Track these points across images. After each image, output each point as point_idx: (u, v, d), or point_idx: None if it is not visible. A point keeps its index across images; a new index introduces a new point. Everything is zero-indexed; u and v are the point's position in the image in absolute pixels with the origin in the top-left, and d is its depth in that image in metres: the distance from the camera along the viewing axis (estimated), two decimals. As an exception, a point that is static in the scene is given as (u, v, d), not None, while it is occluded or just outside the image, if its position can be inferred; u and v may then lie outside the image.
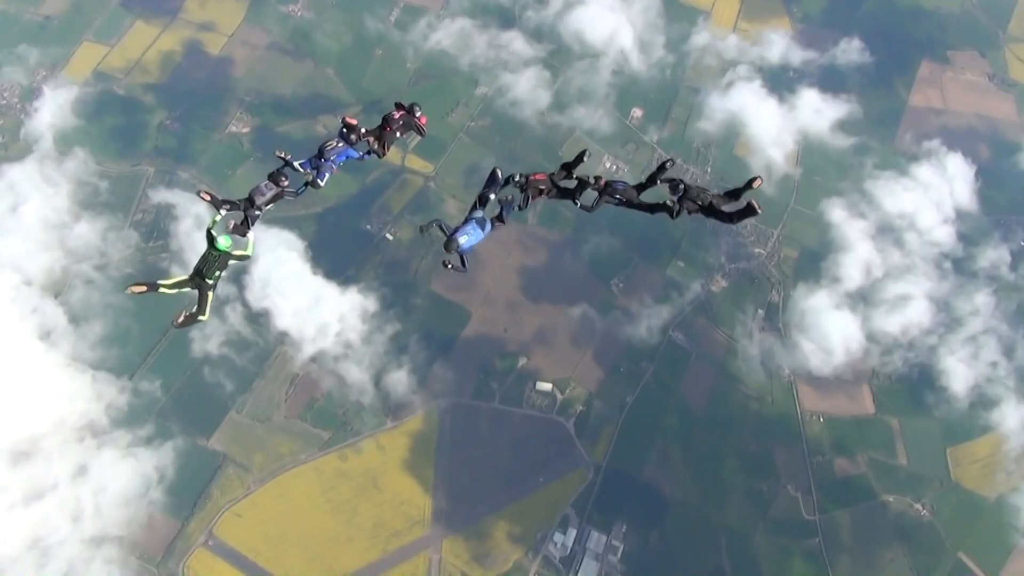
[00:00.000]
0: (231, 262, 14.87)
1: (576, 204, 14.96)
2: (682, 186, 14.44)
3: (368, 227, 58.34)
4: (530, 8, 68.84)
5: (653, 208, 14.71)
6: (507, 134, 62.56)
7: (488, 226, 14.67)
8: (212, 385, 52.60)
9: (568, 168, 14.95)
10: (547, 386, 54.63)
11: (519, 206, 15.01)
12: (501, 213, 14.87)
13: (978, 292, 59.23)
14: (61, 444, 49.72)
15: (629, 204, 14.74)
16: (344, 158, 16.60)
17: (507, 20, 68.19)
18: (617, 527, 51.44)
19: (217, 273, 14.73)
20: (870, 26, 68.44)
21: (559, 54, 66.90)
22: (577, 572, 49.95)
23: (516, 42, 66.81)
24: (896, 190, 62.48)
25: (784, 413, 54.24)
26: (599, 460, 52.97)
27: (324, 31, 66.08)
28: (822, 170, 63.26)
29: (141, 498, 49.19)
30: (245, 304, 53.63)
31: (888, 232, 61.11)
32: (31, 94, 61.63)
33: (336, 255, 56.73)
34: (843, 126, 64.84)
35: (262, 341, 53.61)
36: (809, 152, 63.77)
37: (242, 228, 15.38)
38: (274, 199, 15.77)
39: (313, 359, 53.49)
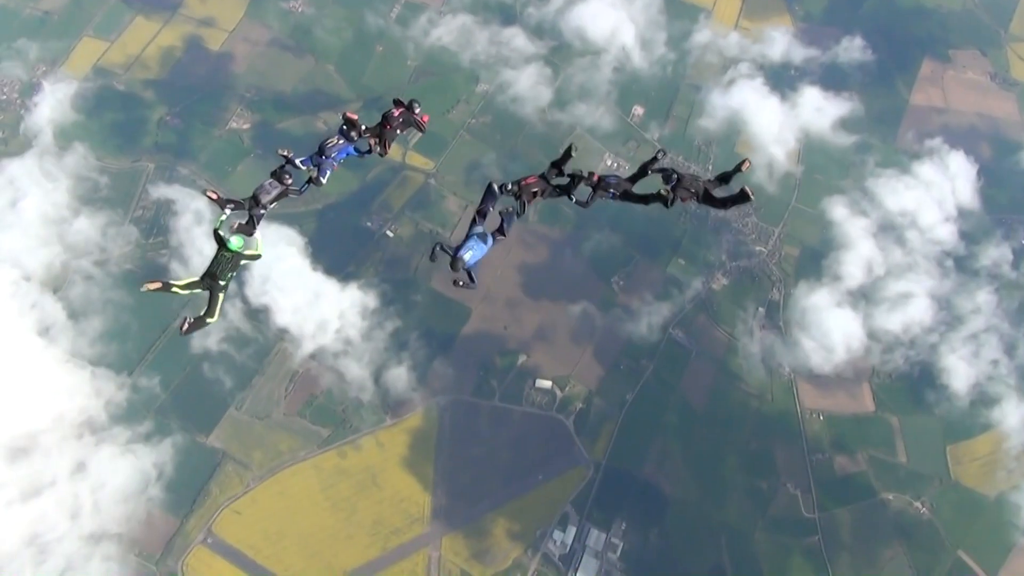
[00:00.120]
0: (242, 262, 14.71)
1: (572, 200, 14.77)
2: (675, 176, 14.27)
3: (368, 224, 58.17)
4: (531, 5, 68.76)
5: (648, 199, 14.62)
6: (508, 131, 62.37)
7: (490, 240, 14.67)
8: (211, 382, 52.44)
9: (558, 165, 14.83)
10: (547, 384, 54.47)
11: (517, 214, 15.01)
12: (502, 225, 14.88)
13: (980, 290, 59.13)
14: (60, 440, 49.58)
15: (624, 197, 14.62)
16: (345, 155, 16.50)
17: (508, 16, 68.03)
18: (617, 525, 51.31)
19: (230, 274, 14.57)
20: (871, 24, 68.28)
21: (560, 51, 66.73)
22: (577, 570, 49.79)
23: (517, 39, 66.69)
24: (898, 188, 62.31)
25: (784, 411, 54.10)
26: (599, 458, 52.83)
27: (325, 27, 65.90)
28: (823, 168, 63.08)
29: (140, 495, 49.03)
30: (245, 300, 53.47)
31: (890, 230, 61.00)
32: (31, 89, 61.44)
33: (336, 252, 56.55)
34: (845, 124, 64.70)
35: (262, 337, 53.44)
36: (811, 150, 63.61)
37: (248, 227, 15.25)
38: (279, 197, 15.64)
39: (313, 356, 53.35)
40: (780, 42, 68.27)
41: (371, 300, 54.81)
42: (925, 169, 62.93)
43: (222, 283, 14.47)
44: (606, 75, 65.93)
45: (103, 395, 51.19)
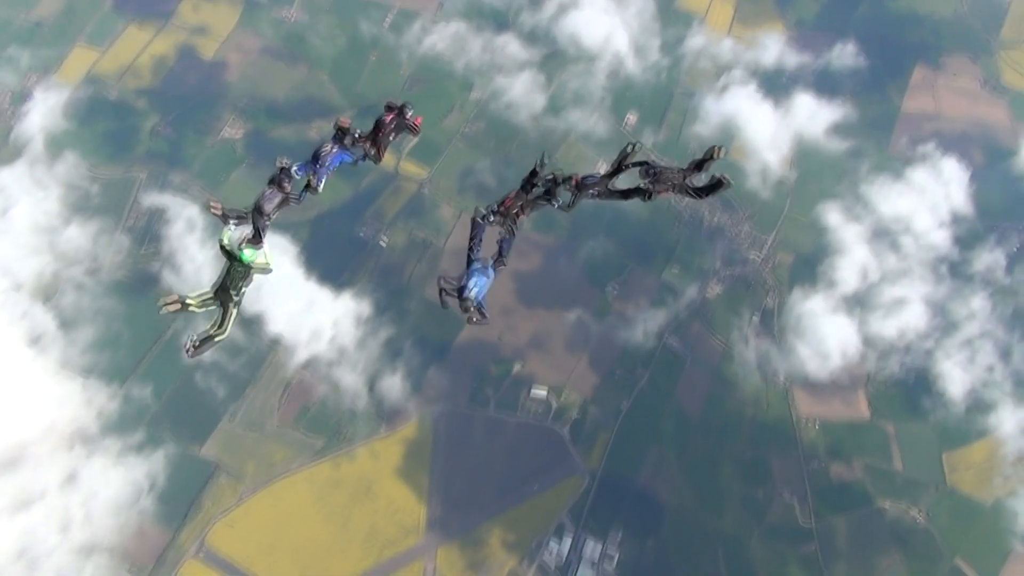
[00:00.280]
0: (253, 274, 14.59)
1: (555, 206, 14.81)
2: (654, 170, 14.35)
3: (362, 232, 58.29)
4: (525, 11, 69.12)
5: (628, 193, 14.63)
6: (502, 138, 62.61)
7: (491, 271, 14.55)
8: (204, 392, 52.48)
9: (531, 178, 14.76)
10: (542, 392, 54.57)
11: (505, 234, 14.91)
12: (500, 253, 14.80)
13: (974, 296, 59.37)
14: (50, 451, 49.52)
15: (605, 194, 14.66)
16: (339, 162, 16.37)
17: (502, 23, 68.39)
18: (613, 534, 51.32)
19: (243, 288, 14.46)
20: (864, 32, 68.81)
21: (554, 57, 67.11)
22: (573, 580, 49.76)
23: (511, 45, 67.07)
24: (891, 194, 62.73)
25: (780, 419, 54.26)
26: (594, 467, 52.87)
27: (318, 35, 66.18)
28: (817, 174, 63.47)
29: (132, 507, 48.96)
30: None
31: (884, 236, 61.31)
32: (21, 97, 61.60)
33: (330, 260, 56.58)
34: (838, 130, 65.08)
35: (255, 347, 53.42)
36: (804, 156, 64.01)
37: (256, 240, 15.11)
38: (281, 205, 15.58)
39: (306, 365, 53.40)
40: (773, 48, 68.72)
41: (365, 308, 54.95)
42: (918, 175, 63.31)
43: (236, 297, 14.38)
44: (600, 81, 66.29)
45: (94, 405, 51.14)
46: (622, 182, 14.78)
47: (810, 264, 59.86)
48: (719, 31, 69.45)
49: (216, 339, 14.39)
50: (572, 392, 54.86)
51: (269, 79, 63.59)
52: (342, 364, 53.34)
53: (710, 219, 60.66)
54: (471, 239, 14.60)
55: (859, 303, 58.73)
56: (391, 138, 16.78)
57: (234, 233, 14.81)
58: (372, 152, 16.61)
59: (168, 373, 52.79)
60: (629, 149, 14.31)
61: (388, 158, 58.72)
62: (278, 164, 15.66)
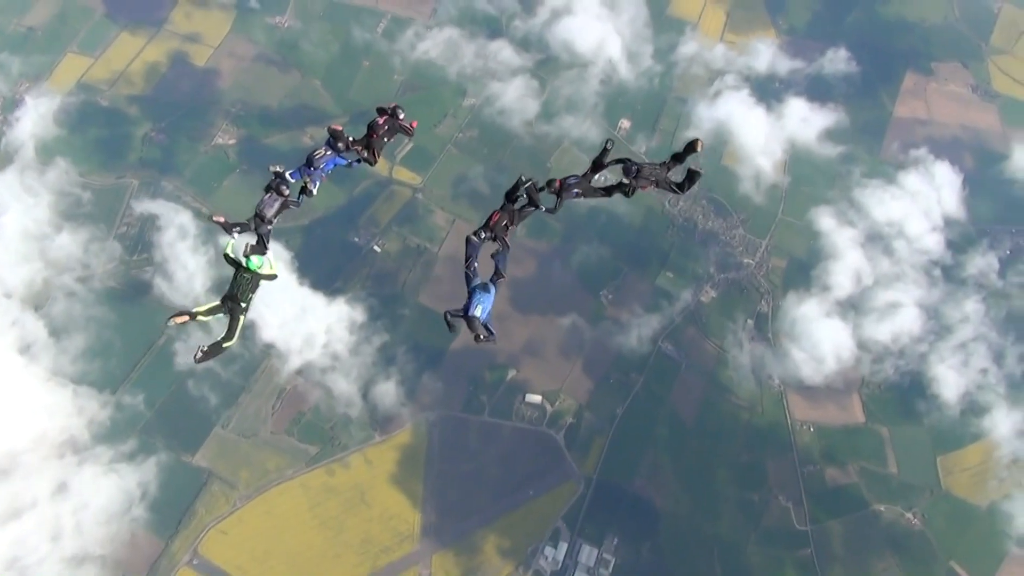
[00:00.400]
0: (260, 282, 14.91)
1: (542, 210, 15.37)
2: (635, 166, 14.88)
3: (356, 239, 58.70)
4: (517, 17, 69.95)
5: (609, 190, 15.28)
6: (495, 145, 63.28)
7: (492, 288, 14.91)
8: (197, 399, 52.61)
9: (514, 191, 15.24)
10: (536, 398, 54.95)
11: (499, 249, 15.38)
12: (497, 268, 15.21)
13: (967, 299, 60.18)
14: (41, 461, 49.54)
15: (588, 192, 15.25)
16: (332, 166, 16.78)
17: (495, 30, 69.18)
18: (609, 540, 51.66)
19: (250, 296, 14.80)
20: (855, 38, 69.96)
21: (547, 64, 67.91)
22: (569, 586, 50.05)
23: (504, 51, 67.84)
24: (884, 198, 63.60)
25: (774, 423, 54.82)
26: (590, 472, 53.24)
27: (311, 42, 66.73)
28: (810, 179, 64.33)
29: (123, 516, 48.97)
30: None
31: (877, 240, 62.14)
32: (12, 105, 61.82)
33: (323, 267, 56.98)
34: (830, 135, 66.06)
35: (248, 354, 53.62)
36: (797, 161, 64.87)
37: (260, 247, 15.44)
38: (281, 210, 15.93)
39: (300, 371, 53.62)
40: (765, 54, 69.74)
41: (358, 314, 55.27)
42: (911, 179, 64.29)
43: (243, 305, 14.75)
44: (593, 87, 67.11)
45: (86, 414, 51.22)
46: (603, 180, 15.33)
47: (804, 268, 60.63)
48: (711, 37, 70.46)
49: (225, 346, 14.80)
50: (567, 398, 55.29)
51: (262, 86, 64.11)
52: (336, 371, 53.62)
53: (704, 224, 61.40)
54: (466, 260, 15.02)
55: (853, 307, 59.47)
56: (385, 140, 17.22)
57: (238, 242, 15.19)
58: (366, 155, 17.03)
59: (160, 381, 52.95)
60: (609, 146, 14.83)
61: (382, 164, 59.26)
62: (271, 170, 16.10)
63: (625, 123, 65.64)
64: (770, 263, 60.45)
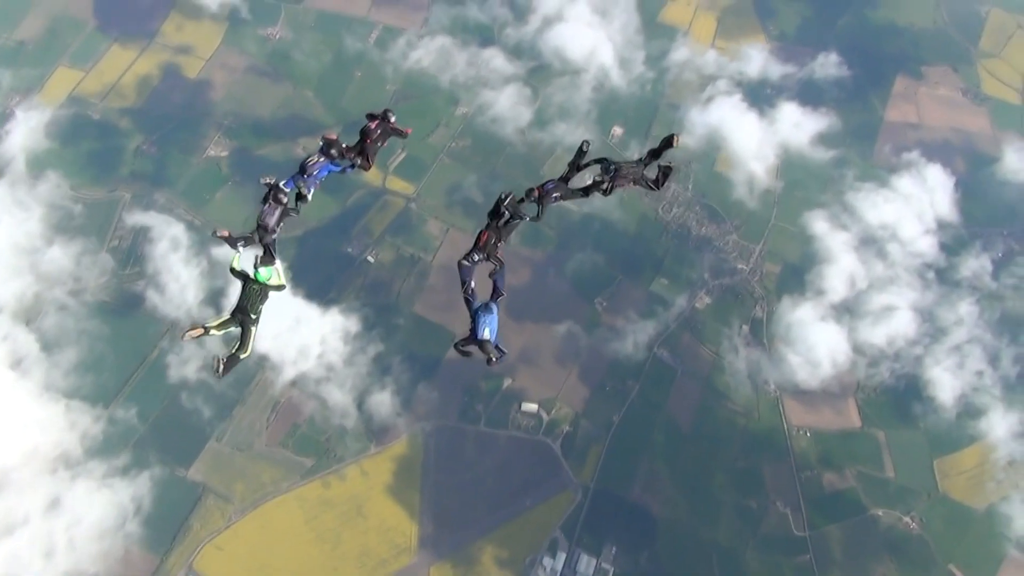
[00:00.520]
0: (270, 293, 15.19)
1: (527, 220, 15.54)
2: (612, 165, 15.21)
3: (349, 249, 59.07)
4: (509, 25, 70.86)
5: (587, 190, 15.58)
6: (488, 153, 63.90)
7: (494, 307, 15.12)
8: (191, 413, 52.69)
9: (496, 209, 15.44)
10: (533, 407, 55.24)
11: (496, 268, 15.57)
12: (495, 288, 15.40)
13: (961, 301, 60.85)
14: (33, 476, 49.50)
15: (568, 195, 15.52)
16: (327, 172, 16.89)
17: (487, 38, 70.02)
18: (607, 549, 51.83)
19: (260, 307, 15.12)
20: (845, 43, 71.05)
21: (539, 71, 68.71)
22: (567, 596, 50.22)
23: (496, 59, 68.65)
24: (877, 201, 64.42)
25: (771, 428, 55.22)
26: (587, 481, 53.48)
27: (303, 53, 67.39)
28: (803, 183, 65.11)
29: (117, 531, 48.84)
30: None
31: (871, 243, 62.84)
32: (3, 118, 62.16)
33: (316, 278, 57.30)
34: (823, 139, 66.92)
35: (241, 365, 53.09)
36: (790, 165, 65.68)
37: (268, 259, 15.62)
38: (282, 218, 16.07)
39: (294, 383, 53.80)
40: (757, 59, 70.73)
41: (353, 324, 55.56)
42: (903, 182, 65.16)
43: (253, 317, 15.04)
44: (586, 94, 67.91)
45: (78, 428, 51.23)
46: (580, 180, 15.62)
47: (798, 273, 61.24)
48: (703, 44, 71.40)
49: (241, 357, 15.05)
50: (563, 406, 55.60)
51: (254, 97, 64.64)
52: (330, 381, 53.84)
53: (697, 230, 62.04)
54: (463, 286, 15.18)
55: (848, 311, 60.06)
56: (379, 145, 17.35)
57: (244, 255, 15.41)
58: (360, 161, 17.12)
59: (154, 395, 53.07)
60: (585, 148, 15.14)
61: (375, 174, 59.54)
62: (262, 183, 16.19)
63: (618, 130, 66.36)
64: (764, 268, 61.04)
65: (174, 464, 51.67)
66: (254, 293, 14.99)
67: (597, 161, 15.66)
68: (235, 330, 15.10)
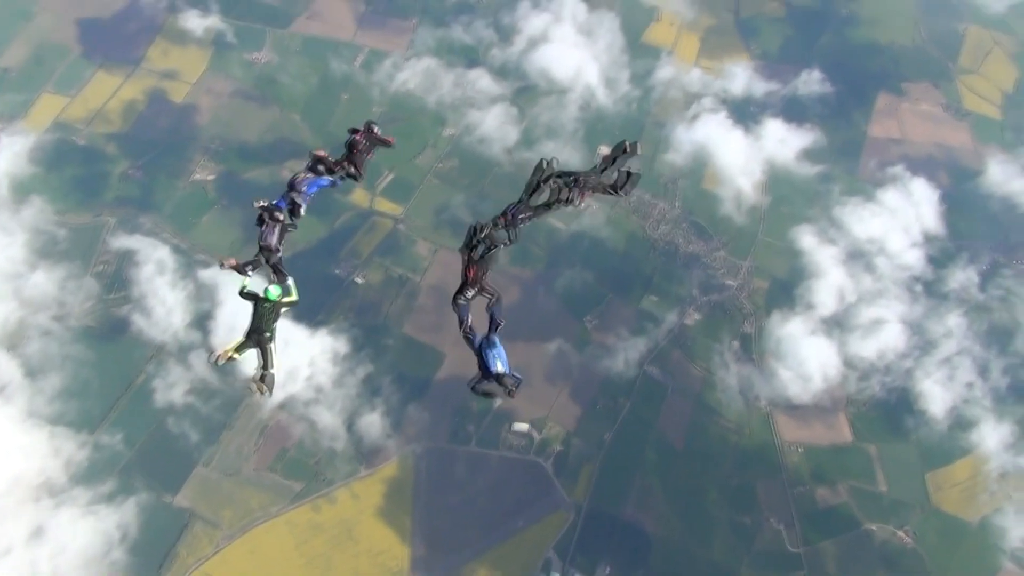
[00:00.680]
0: (282, 310, 15.68)
1: (503, 247, 15.82)
2: (573, 177, 15.69)
3: (337, 271, 60.25)
4: (495, 46, 73.09)
5: (551, 205, 15.95)
6: (476, 174, 65.63)
7: (495, 338, 15.54)
8: (177, 437, 53.26)
9: (470, 241, 15.80)
10: (524, 426, 56.17)
11: (492, 301, 15.87)
12: (493, 320, 15.76)
13: (950, 314, 62.73)
14: (16, 505, 49.75)
15: (535, 213, 15.95)
16: (316, 188, 17.43)
17: (472, 59, 72.24)
18: (601, 569, 52.58)
19: (274, 325, 15.51)
20: (827, 61, 73.87)
21: (526, 91, 70.85)
22: (562, 617, 50.80)
23: (482, 80, 70.77)
24: (864, 215, 66.55)
25: (763, 444, 56.43)
26: (579, 500, 54.34)
27: (289, 76, 69.15)
28: (789, 198, 67.21)
29: (103, 559, 49.05)
30: (210, 350, 54.65)
31: (859, 257, 64.76)
32: (-13, 145, 63.12)
33: (305, 300, 56.22)
34: (808, 155, 69.27)
35: (229, 389, 54.52)
36: (776, 181, 67.80)
37: (280, 276, 16.29)
38: (282, 235, 16.62)
39: (282, 405, 54.45)
40: (741, 77, 73.31)
41: (342, 346, 56.55)
42: (889, 196, 67.43)
43: (268, 335, 15.43)
44: (572, 114, 70.06)
45: (62, 455, 51.62)
46: (541, 197, 16.43)
47: (787, 288, 62.98)
48: (687, 62, 73.86)
49: (272, 372, 15.67)
50: (554, 425, 56.60)
51: (240, 121, 66.23)
52: (319, 403, 54.63)
53: (685, 247, 63.81)
54: (461, 325, 15.55)
55: (837, 325, 61.72)
56: (366, 156, 18.07)
57: (253, 281, 15.99)
58: (352, 170, 17.78)
59: (140, 420, 53.64)
60: (544, 165, 15.64)
61: (363, 196, 60.94)
62: (256, 206, 16.67)
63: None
64: (753, 284, 62.75)
65: (161, 490, 52.14)
66: (266, 312, 15.39)
67: (557, 175, 16.00)
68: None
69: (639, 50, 74.15)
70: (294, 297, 16.13)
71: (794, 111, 71.35)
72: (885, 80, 73.20)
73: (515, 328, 61.68)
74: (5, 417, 52.35)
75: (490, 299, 15.65)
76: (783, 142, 69.60)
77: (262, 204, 16.50)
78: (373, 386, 56.02)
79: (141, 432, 53.34)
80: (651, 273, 62.71)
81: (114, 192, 62.00)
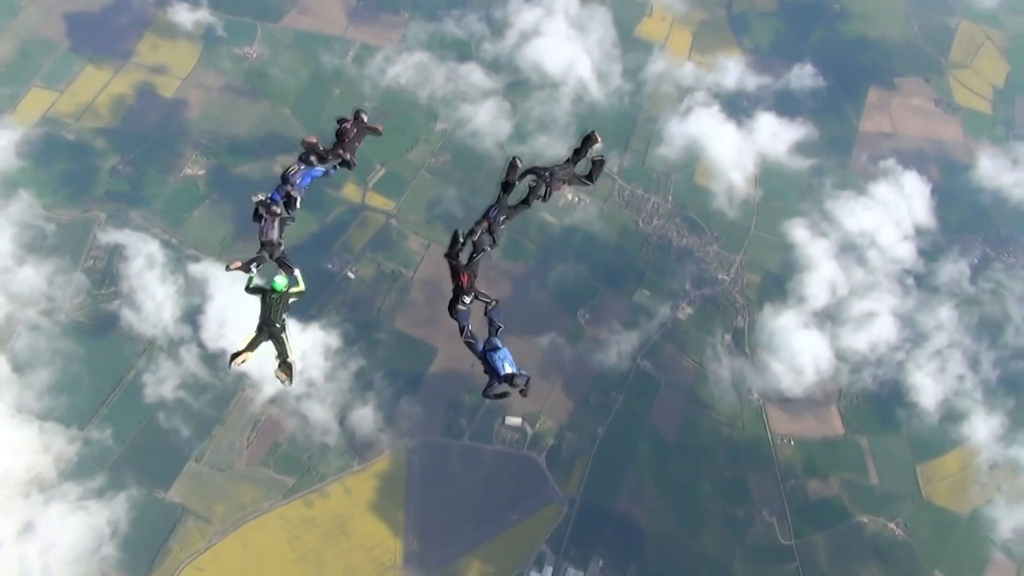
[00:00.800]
0: (290, 300, 15.86)
1: (488, 250, 16.21)
2: (544, 172, 16.27)
3: (329, 266, 60.54)
4: (487, 40, 73.34)
5: (527, 201, 16.40)
6: (468, 168, 65.98)
7: (498, 342, 15.86)
8: (169, 433, 53.51)
9: (452, 248, 16.16)
10: (517, 420, 56.68)
11: (489, 306, 16.32)
12: (492, 325, 16.22)
13: (941, 307, 63.65)
14: (5, 500, 49.90)
15: (513, 214, 16.43)
16: (309, 179, 17.64)
17: (464, 53, 72.48)
18: (594, 562, 53.18)
19: (283, 315, 15.72)
20: (819, 56, 74.58)
21: (518, 85, 71.19)
22: (555, 611, 51.33)
23: (474, 74, 71.05)
24: (856, 209, 67.31)
25: (755, 437, 57.12)
26: (573, 494, 54.91)
27: (280, 71, 69.21)
28: (782, 192, 67.91)
29: (93, 555, 49.34)
30: (201, 345, 55.02)
31: (851, 250, 65.55)
32: (-26, 140, 63.07)
33: (296, 294, 58.23)
34: (800, 148, 70.00)
35: (220, 383, 54.83)
36: (768, 175, 68.47)
37: (287, 268, 16.54)
38: (282, 227, 16.86)
39: (274, 400, 54.81)
40: (733, 71, 73.88)
41: (334, 340, 56.87)
42: (881, 190, 68.22)
43: (279, 326, 15.61)
44: (564, 108, 70.44)
45: (52, 450, 51.81)
46: (518, 195, 16.91)
47: (779, 281, 63.70)
48: (679, 57, 74.41)
49: (291, 361, 15.79)
50: (547, 419, 57.15)
51: (231, 116, 66.33)
52: (311, 398, 55.01)
53: (678, 241, 64.39)
54: (462, 332, 15.84)
55: (829, 318, 62.49)
56: (356, 145, 18.24)
57: (256, 276, 16.18)
58: (346, 156, 17.92)
59: (130, 415, 53.86)
60: (518, 163, 16.20)
61: (355, 191, 61.17)
62: (253, 201, 16.83)
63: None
64: (745, 277, 63.44)
65: (152, 485, 52.41)
66: (275, 303, 15.63)
67: (529, 172, 16.49)
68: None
69: (631, 44, 74.64)
70: (301, 287, 16.29)
71: (786, 105, 72.02)
72: (877, 74, 74.02)
73: (507, 322, 61.30)
74: (-7, 413, 52.57)
75: (487, 304, 15.99)
76: (775, 136, 70.27)
77: (260, 198, 16.64)
78: (365, 380, 56.38)
79: (132, 427, 53.58)
80: (644, 267, 63.26)
81: (104, 187, 62.01)
